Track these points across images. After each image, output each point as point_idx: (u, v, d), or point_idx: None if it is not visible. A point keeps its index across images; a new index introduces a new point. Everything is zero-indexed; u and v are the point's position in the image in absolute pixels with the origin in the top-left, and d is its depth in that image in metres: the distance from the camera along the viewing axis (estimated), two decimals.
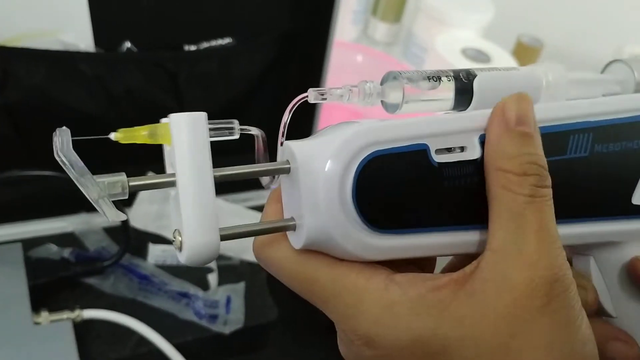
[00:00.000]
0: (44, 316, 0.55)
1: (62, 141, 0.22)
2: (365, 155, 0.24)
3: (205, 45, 0.65)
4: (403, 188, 0.25)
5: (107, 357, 0.57)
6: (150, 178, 0.24)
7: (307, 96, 0.26)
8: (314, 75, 0.71)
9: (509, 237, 0.25)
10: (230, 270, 0.67)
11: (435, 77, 0.27)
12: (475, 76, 0.28)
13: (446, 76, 0.28)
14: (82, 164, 0.22)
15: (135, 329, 0.57)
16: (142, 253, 0.66)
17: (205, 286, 0.64)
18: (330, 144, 0.24)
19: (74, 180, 0.22)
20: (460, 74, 0.28)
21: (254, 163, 0.27)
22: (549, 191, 0.25)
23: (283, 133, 0.26)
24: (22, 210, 0.65)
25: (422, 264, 0.30)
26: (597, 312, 0.32)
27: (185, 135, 0.23)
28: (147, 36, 0.62)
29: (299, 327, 0.69)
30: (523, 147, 0.25)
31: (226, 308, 0.62)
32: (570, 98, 0.30)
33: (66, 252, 0.62)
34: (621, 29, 1.27)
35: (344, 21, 1.13)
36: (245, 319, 0.62)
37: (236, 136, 0.25)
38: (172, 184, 0.24)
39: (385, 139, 0.25)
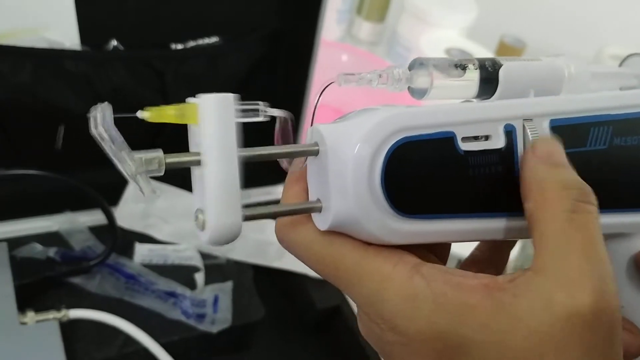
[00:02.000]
0: (30, 316, 0.54)
1: (104, 115, 0.22)
2: (395, 140, 0.25)
3: (192, 44, 0.65)
4: (430, 174, 0.25)
5: (93, 357, 0.56)
6: (183, 156, 0.24)
7: (334, 81, 0.26)
8: (301, 74, 0.71)
9: (550, 257, 0.24)
10: (218, 270, 0.67)
11: (461, 65, 0.28)
12: (500, 65, 0.28)
13: (472, 64, 0.28)
14: (122, 139, 0.22)
15: (122, 328, 0.57)
16: (129, 252, 0.65)
17: (192, 285, 0.64)
18: (360, 127, 0.25)
19: (110, 155, 0.22)
20: (486, 63, 0.28)
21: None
22: (595, 208, 0.25)
23: (312, 116, 0.27)
24: (7, 210, 0.64)
25: (437, 250, 0.30)
26: None
27: (213, 116, 0.23)
28: (134, 35, 0.62)
29: (286, 326, 0.70)
30: (560, 170, 0.26)
31: (213, 307, 0.62)
32: (591, 90, 0.30)
33: (51, 252, 0.62)
34: (602, 31, 1.29)
35: (328, 20, 1.13)
36: (233, 318, 0.62)
37: (260, 118, 0.25)
38: (199, 163, 0.24)
39: (414, 125, 0.25)
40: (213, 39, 0.66)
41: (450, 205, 0.26)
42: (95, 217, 0.66)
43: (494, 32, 1.22)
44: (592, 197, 0.25)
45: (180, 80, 0.65)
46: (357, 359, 0.66)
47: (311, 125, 0.27)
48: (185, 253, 0.67)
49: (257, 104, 0.25)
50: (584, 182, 0.25)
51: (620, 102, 0.29)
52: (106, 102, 0.23)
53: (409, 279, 0.25)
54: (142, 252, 0.66)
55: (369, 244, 0.26)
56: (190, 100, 0.24)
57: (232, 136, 0.24)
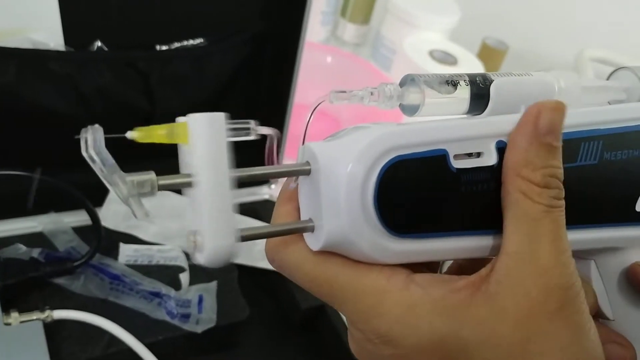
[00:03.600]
0: (14, 317, 0.54)
1: (95, 139, 0.22)
2: (388, 159, 0.25)
3: (177, 45, 0.65)
4: (423, 193, 0.25)
5: (78, 357, 0.56)
6: (175, 177, 0.24)
7: (327, 97, 0.26)
8: (285, 76, 0.71)
9: (524, 243, 0.25)
10: (202, 270, 0.67)
11: (452, 82, 0.28)
12: (491, 81, 0.28)
13: (463, 80, 0.28)
14: (114, 161, 0.22)
15: (106, 328, 0.57)
16: (113, 253, 0.65)
17: (177, 286, 0.64)
18: (353, 146, 0.25)
19: (102, 178, 0.22)
20: (477, 79, 0.28)
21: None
22: (563, 203, 0.26)
23: (304, 135, 0.27)
24: None
25: (428, 264, 0.30)
26: (595, 316, 0.32)
27: (204, 135, 0.23)
28: (118, 36, 0.62)
29: (270, 326, 0.70)
30: (549, 159, 0.26)
31: (198, 307, 0.62)
32: (581, 104, 0.30)
33: (35, 252, 0.61)
34: (583, 33, 1.30)
35: (313, 22, 1.13)
36: (218, 318, 0.62)
37: (252, 136, 0.25)
38: (192, 184, 0.24)
39: (407, 143, 0.25)
40: (198, 41, 0.66)
41: (443, 223, 0.26)
42: (80, 218, 0.66)
43: (476, 35, 1.23)
44: (563, 193, 0.26)
45: (164, 81, 0.65)
46: (342, 357, 0.66)
47: (302, 143, 0.26)
48: (170, 253, 0.67)
49: (248, 122, 0.25)
50: (561, 179, 0.26)
51: (610, 117, 0.29)
52: (97, 125, 0.22)
53: (405, 288, 0.25)
54: (126, 252, 0.66)
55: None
56: (180, 119, 0.24)
57: (224, 156, 0.24)
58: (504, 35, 1.23)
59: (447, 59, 1.10)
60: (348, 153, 0.25)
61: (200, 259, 0.24)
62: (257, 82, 0.74)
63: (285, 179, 0.28)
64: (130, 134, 0.23)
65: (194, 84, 0.68)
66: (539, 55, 1.35)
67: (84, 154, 0.22)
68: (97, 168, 0.22)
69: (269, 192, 0.78)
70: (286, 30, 0.69)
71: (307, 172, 0.26)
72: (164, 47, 0.65)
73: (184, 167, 0.25)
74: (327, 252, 0.26)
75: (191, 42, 0.66)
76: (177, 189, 0.24)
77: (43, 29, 0.58)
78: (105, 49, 0.61)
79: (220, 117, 0.24)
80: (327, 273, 0.26)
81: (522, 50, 1.27)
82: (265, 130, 0.26)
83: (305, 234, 0.27)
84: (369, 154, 0.24)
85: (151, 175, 0.23)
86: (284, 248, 0.27)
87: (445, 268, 0.34)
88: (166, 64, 0.65)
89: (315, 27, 1.18)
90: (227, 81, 0.71)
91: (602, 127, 0.28)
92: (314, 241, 0.26)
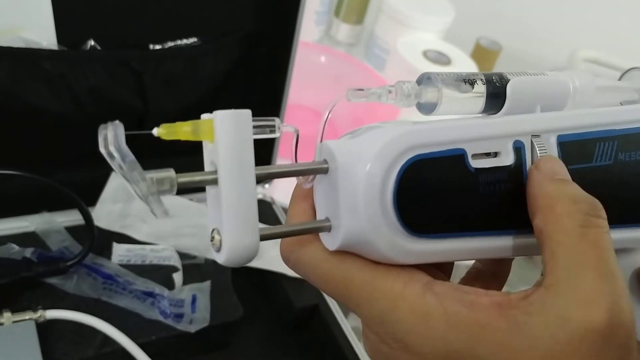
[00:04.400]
0: (7, 317, 0.54)
1: (116, 135, 0.21)
2: (407, 159, 0.24)
3: (170, 44, 0.65)
4: (442, 193, 0.25)
5: (71, 358, 0.56)
6: (196, 175, 0.23)
7: (344, 95, 0.26)
8: (279, 75, 0.71)
9: (562, 274, 0.23)
10: (196, 269, 0.67)
11: (469, 80, 0.28)
12: (508, 80, 0.28)
13: (480, 79, 0.28)
14: (134, 158, 0.22)
15: (99, 328, 0.57)
16: (106, 253, 0.65)
17: (170, 285, 0.64)
18: (372, 145, 0.24)
19: (121, 175, 0.22)
20: (493, 78, 0.28)
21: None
22: (605, 222, 0.25)
23: (322, 133, 0.26)
24: None
25: (442, 265, 0.29)
26: None
27: (231, 133, 0.23)
28: (112, 35, 0.62)
29: (264, 326, 0.70)
30: (567, 185, 0.26)
31: (192, 307, 0.62)
32: (595, 104, 0.30)
33: (28, 252, 0.61)
34: (575, 34, 1.31)
35: (307, 22, 1.13)
36: (211, 318, 0.62)
37: (277, 134, 0.25)
38: (215, 182, 0.23)
39: (425, 142, 0.25)
40: (191, 40, 0.66)
41: (461, 223, 0.26)
42: (73, 218, 0.65)
43: (470, 35, 1.23)
44: (602, 211, 0.25)
45: (158, 81, 0.65)
46: (335, 356, 0.66)
47: (320, 141, 0.26)
48: (164, 253, 0.67)
49: (273, 120, 0.25)
50: (591, 196, 0.25)
51: (624, 117, 0.29)
52: (117, 121, 0.22)
53: (421, 297, 0.24)
54: (120, 252, 0.66)
55: (378, 262, 0.25)
56: (205, 116, 0.24)
57: (249, 154, 0.23)
58: (498, 35, 1.23)
59: (440, 59, 1.10)
60: (367, 152, 0.24)
61: (220, 257, 0.24)
62: (251, 81, 0.74)
63: (300, 177, 0.27)
64: (155, 131, 0.23)
65: (188, 84, 0.68)
66: (532, 56, 1.35)
67: (102, 150, 0.22)
68: (116, 165, 0.22)
69: (263, 191, 0.78)
70: (280, 30, 0.69)
71: (325, 171, 0.25)
72: (158, 47, 0.64)
73: (208, 165, 0.25)
74: (344, 253, 0.26)
75: (185, 41, 0.66)
76: (198, 187, 0.24)
77: (36, 28, 0.57)
78: (99, 48, 0.61)
79: (246, 114, 0.23)
80: (344, 274, 0.26)
81: (516, 51, 1.28)
82: (289, 128, 0.26)
83: (321, 234, 0.26)
84: (388, 153, 0.24)
85: (170, 173, 0.22)
86: (300, 247, 0.27)
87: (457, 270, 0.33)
88: (160, 64, 0.64)
89: (309, 27, 1.18)
90: (221, 81, 0.71)
91: (617, 127, 0.29)
92: (330, 241, 0.26)
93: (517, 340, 0.23)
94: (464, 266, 0.34)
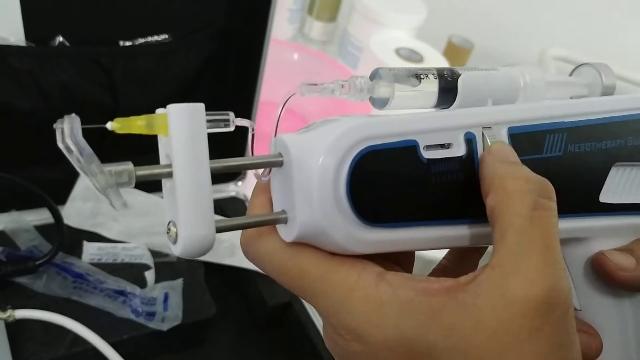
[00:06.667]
0: None
1: (72, 128, 0.21)
2: (359, 150, 0.25)
3: (140, 41, 0.64)
4: (395, 183, 0.26)
5: (41, 357, 0.55)
6: (154, 168, 0.23)
7: (298, 90, 0.27)
8: (251, 72, 0.71)
9: (510, 255, 0.24)
10: (168, 267, 0.67)
11: (421, 75, 0.28)
12: (459, 75, 0.29)
13: (432, 74, 0.28)
14: (91, 151, 0.21)
15: (69, 328, 0.56)
16: (77, 252, 0.64)
17: (142, 284, 0.64)
18: (325, 138, 0.25)
19: (78, 168, 0.21)
20: (445, 73, 0.29)
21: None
22: (554, 205, 0.25)
23: (276, 127, 0.27)
24: None
25: (401, 262, 0.30)
26: None
27: (184, 126, 0.23)
28: (81, 31, 0.61)
29: (237, 323, 0.70)
30: (519, 167, 0.26)
31: (164, 305, 0.62)
32: (545, 99, 0.31)
33: None
34: (546, 32, 1.33)
35: (280, 19, 1.14)
36: (184, 316, 0.62)
37: (231, 128, 0.25)
38: (170, 175, 0.24)
39: (378, 134, 0.25)
40: (162, 37, 0.66)
41: (415, 212, 0.26)
42: (42, 216, 0.65)
43: (442, 33, 1.24)
44: (553, 192, 0.26)
45: (129, 78, 0.64)
46: (309, 354, 0.66)
47: (274, 135, 0.26)
48: (136, 251, 0.67)
49: (227, 114, 0.25)
50: (543, 177, 0.26)
51: (573, 110, 0.30)
52: (73, 114, 0.22)
53: (375, 286, 0.25)
54: (90, 250, 0.65)
55: (333, 254, 0.26)
56: (159, 110, 0.24)
57: (203, 147, 0.23)
58: (470, 33, 1.25)
59: (413, 56, 1.11)
60: (320, 144, 0.25)
61: (176, 249, 0.24)
62: (222, 78, 0.73)
63: (254, 172, 0.28)
64: (109, 125, 0.23)
65: (159, 80, 0.67)
66: (503, 54, 1.37)
67: (59, 144, 0.21)
68: (73, 158, 0.21)
69: (236, 189, 0.78)
70: (252, 27, 0.69)
71: (280, 164, 0.26)
72: (128, 43, 0.64)
73: (163, 158, 0.25)
74: (301, 245, 0.26)
75: (155, 38, 0.65)
76: (155, 180, 0.24)
77: (3, 23, 0.57)
78: (67, 44, 0.60)
79: (200, 108, 0.24)
80: (299, 266, 0.26)
81: (487, 49, 1.29)
82: (244, 123, 0.26)
83: (278, 226, 0.27)
84: (340, 145, 0.25)
85: (129, 166, 0.22)
86: (258, 239, 0.27)
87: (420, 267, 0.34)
88: (130, 60, 0.64)
89: (283, 25, 1.18)
90: (192, 78, 0.71)
91: (566, 120, 0.29)
92: (287, 232, 0.26)
93: (465, 323, 0.23)
94: (431, 264, 0.34)
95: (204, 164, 0.24)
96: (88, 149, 0.22)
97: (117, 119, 0.23)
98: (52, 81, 0.60)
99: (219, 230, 0.24)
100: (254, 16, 0.68)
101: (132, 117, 0.23)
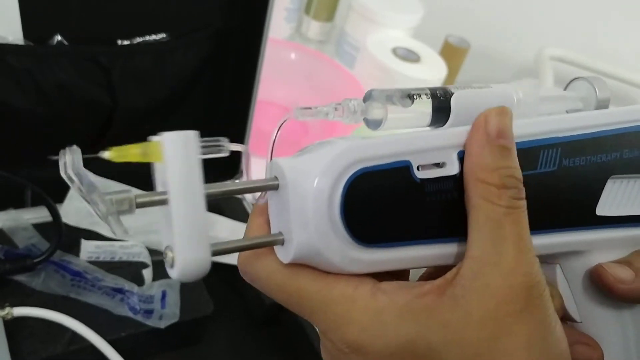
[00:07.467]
0: None
1: (73, 159, 0.22)
2: (352, 172, 0.25)
3: (139, 40, 0.65)
4: (389, 204, 0.26)
5: (39, 355, 0.55)
6: (151, 195, 0.24)
7: (292, 114, 0.27)
8: (248, 72, 0.71)
9: (488, 246, 0.26)
10: None
11: (414, 96, 0.29)
12: (452, 94, 0.29)
13: (425, 94, 0.29)
14: (92, 180, 0.22)
15: (67, 325, 0.56)
16: (75, 250, 0.65)
17: (140, 282, 0.64)
18: (319, 161, 0.25)
19: (81, 197, 0.22)
20: (438, 92, 0.29)
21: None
22: (524, 203, 0.27)
23: (271, 151, 0.27)
24: None
25: (397, 273, 0.30)
26: (562, 318, 0.33)
27: (177, 154, 0.24)
28: (79, 30, 0.61)
29: (234, 321, 0.70)
30: (503, 160, 0.27)
31: (161, 303, 0.62)
32: (539, 114, 0.31)
33: None
34: (543, 32, 1.33)
35: (278, 19, 1.14)
36: (181, 314, 0.62)
37: (226, 153, 0.26)
38: (166, 202, 0.24)
39: (370, 156, 0.26)
40: (160, 36, 0.66)
41: (409, 232, 0.27)
42: (40, 214, 0.65)
43: (439, 33, 1.25)
44: (523, 193, 0.27)
45: (127, 77, 0.65)
46: (306, 352, 0.67)
47: (270, 159, 0.27)
48: (133, 249, 0.67)
49: (219, 140, 0.26)
50: (519, 178, 0.27)
51: (567, 125, 0.30)
52: (74, 146, 0.23)
53: (372, 296, 0.26)
54: (88, 249, 0.65)
55: (330, 272, 0.27)
56: (153, 138, 0.24)
57: (197, 173, 0.24)
58: (467, 33, 1.25)
59: (410, 56, 1.11)
60: (314, 168, 0.25)
61: (173, 273, 0.25)
62: (220, 77, 0.74)
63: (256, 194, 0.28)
64: (105, 154, 0.24)
65: (157, 80, 0.67)
66: (500, 54, 1.37)
67: (62, 174, 0.22)
68: (75, 188, 0.22)
69: None
70: (249, 26, 0.69)
71: (275, 187, 0.26)
72: (126, 42, 0.64)
73: (159, 185, 0.25)
74: (297, 265, 0.27)
75: (154, 37, 0.66)
76: (155, 205, 0.24)
77: (1, 22, 0.57)
78: (66, 43, 0.61)
79: (192, 135, 0.24)
80: (297, 284, 0.27)
81: (484, 48, 1.29)
82: (237, 148, 0.27)
83: (276, 247, 0.27)
84: (333, 168, 0.25)
85: (129, 194, 0.23)
86: (255, 260, 0.28)
87: (416, 278, 0.34)
88: (128, 59, 0.64)
89: (280, 24, 1.18)
90: (190, 76, 0.71)
91: (560, 134, 0.29)
92: (284, 254, 0.27)
93: (457, 316, 0.25)
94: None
95: (199, 190, 0.24)
96: (88, 179, 0.22)
97: (113, 148, 0.24)
98: (50, 80, 0.61)
99: (216, 253, 0.25)
100: (252, 15, 0.68)
101: (127, 146, 0.24)
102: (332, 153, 0.26)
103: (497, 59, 1.37)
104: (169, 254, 0.24)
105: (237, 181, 0.27)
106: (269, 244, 0.27)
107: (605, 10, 1.30)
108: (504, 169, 0.27)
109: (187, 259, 0.24)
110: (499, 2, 1.35)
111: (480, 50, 1.27)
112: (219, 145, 0.26)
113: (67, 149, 0.23)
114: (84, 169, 0.22)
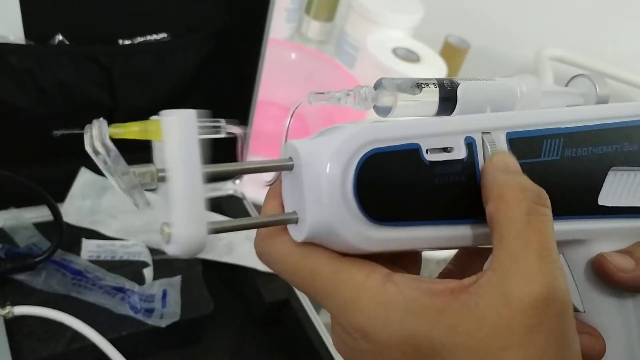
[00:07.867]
0: None
1: (102, 132, 0.23)
2: (365, 152, 0.26)
3: (139, 40, 0.65)
4: (399, 183, 0.27)
5: (40, 354, 0.56)
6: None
7: (306, 99, 0.28)
8: (249, 71, 0.72)
9: (508, 257, 0.25)
10: (166, 265, 0.67)
11: (422, 85, 0.30)
12: (458, 85, 0.30)
13: (432, 84, 0.30)
14: (118, 152, 0.23)
15: (68, 324, 0.56)
16: (76, 249, 0.65)
17: (140, 281, 0.64)
18: (332, 142, 0.26)
19: (104, 170, 0.23)
20: (445, 82, 0.30)
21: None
22: (549, 211, 0.27)
23: (286, 132, 0.28)
24: None
25: (408, 267, 0.31)
26: None
27: (176, 132, 0.24)
28: (80, 30, 0.61)
29: (235, 320, 0.70)
30: (517, 176, 0.27)
31: (162, 302, 0.62)
32: (541, 107, 0.32)
33: None
34: (542, 33, 1.33)
35: (278, 19, 1.14)
36: (182, 313, 0.62)
37: (222, 134, 0.27)
38: (164, 179, 0.25)
39: (382, 137, 0.27)
40: (161, 35, 0.66)
41: (419, 212, 0.28)
42: (41, 214, 0.65)
43: (439, 33, 1.25)
44: (547, 200, 0.27)
45: (127, 76, 0.65)
46: (306, 351, 0.67)
47: (285, 141, 0.28)
48: (134, 249, 0.67)
49: (219, 121, 0.27)
50: (538, 186, 0.27)
51: (569, 117, 0.31)
52: (102, 118, 0.24)
53: (382, 286, 0.26)
54: (89, 248, 0.65)
55: (343, 255, 0.27)
56: (154, 117, 0.25)
57: (196, 152, 0.25)
58: (466, 33, 1.25)
59: (410, 56, 1.11)
60: (327, 149, 0.26)
61: (169, 249, 0.25)
62: (220, 77, 0.74)
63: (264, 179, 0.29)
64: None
65: (157, 79, 0.68)
66: (500, 54, 1.37)
67: (87, 148, 0.23)
68: (100, 160, 0.23)
69: (233, 187, 0.78)
70: (250, 26, 0.70)
71: (290, 168, 0.27)
72: (127, 42, 0.64)
73: (158, 163, 0.26)
74: (312, 246, 0.27)
75: (154, 36, 0.66)
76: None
77: (2, 22, 0.57)
78: (67, 43, 0.61)
79: (192, 114, 0.25)
80: (310, 266, 0.27)
81: (484, 49, 1.29)
82: (235, 130, 0.27)
83: (289, 226, 0.28)
84: (347, 148, 0.26)
85: (151, 167, 0.24)
86: (271, 240, 0.28)
87: (425, 272, 0.35)
88: (129, 59, 0.64)
89: (280, 24, 1.18)
90: (191, 76, 0.71)
91: (562, 126, 0.31)
92: (297, 232, 0.27)
93: (468, 321, 0.25)
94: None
95: (196, 168, 0.25)
96: (115, 151, 0.23)
97: (113, 125, 0.25)
98: (51, 80, 0.61)
99: (219, 230, 0.26)
100: (252, 15, 0.69)
101: (127, 123, 0.25)
102: (345, 134, 0.26)
103: (497, 59, 1.37)
104: (166, 230, 0.25)
105: (253, 160, 0.27)
106: (282, 222, 0.28)
107: (605, 10, 1.30)
108: (521, 180, 0.27)
109: (183, 235, 0.24)
110: (499, 2, 1.35)
111: (480, 50, 1.27)
112: (217, 126, 0.27)
113: (94, 121, 0.23)
114: (109, 140, 0.23)
